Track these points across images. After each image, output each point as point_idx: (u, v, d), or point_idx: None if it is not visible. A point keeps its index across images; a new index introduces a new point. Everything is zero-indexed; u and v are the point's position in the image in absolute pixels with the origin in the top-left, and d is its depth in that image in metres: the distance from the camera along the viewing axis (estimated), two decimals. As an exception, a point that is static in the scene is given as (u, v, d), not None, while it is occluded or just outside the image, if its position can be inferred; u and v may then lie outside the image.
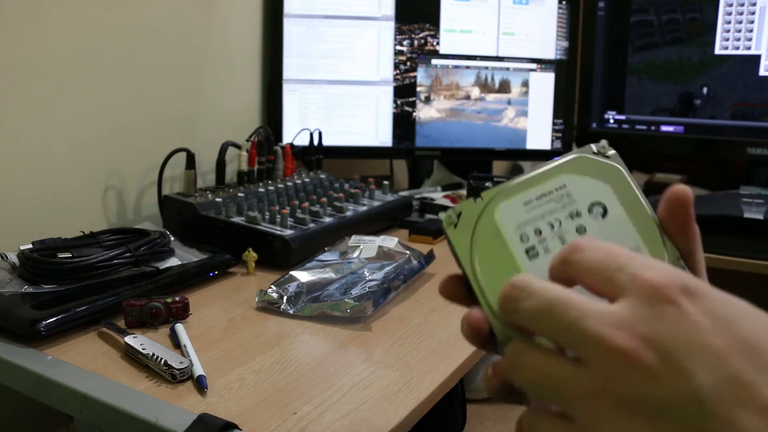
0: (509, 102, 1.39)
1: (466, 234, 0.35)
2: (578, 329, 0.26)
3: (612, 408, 0.25)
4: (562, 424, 0.27)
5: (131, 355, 0.62)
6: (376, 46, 1.33)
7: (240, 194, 1.01)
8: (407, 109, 1.36)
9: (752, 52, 1.25)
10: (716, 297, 0.26)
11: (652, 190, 1.38)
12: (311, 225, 0.94)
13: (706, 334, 0.24)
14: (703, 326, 0.24)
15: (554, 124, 1.42)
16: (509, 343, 0.30)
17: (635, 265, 0.27)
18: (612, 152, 0.37)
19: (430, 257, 0.90)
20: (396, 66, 1.35)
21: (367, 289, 0.76)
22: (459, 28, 1.36)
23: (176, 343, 0.66)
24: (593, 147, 0.37)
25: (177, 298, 0.72)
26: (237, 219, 0.93)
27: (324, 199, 1.03)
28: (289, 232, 0.90)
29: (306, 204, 1.00)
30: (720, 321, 0.25)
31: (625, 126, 1.42)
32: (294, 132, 1.27)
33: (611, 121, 1.43)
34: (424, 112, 1.37)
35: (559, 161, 0.37)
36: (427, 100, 1.37)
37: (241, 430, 0.51)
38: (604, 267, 0.28)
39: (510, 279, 0.30)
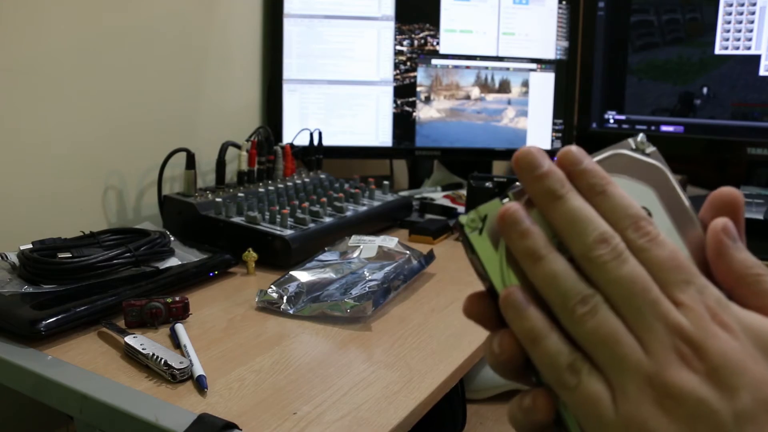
0: (509, 102, 1.39)
1: (493, 240, 0.30)
2: (656, 310, 0.27)
3: (658, 396, 0.26)
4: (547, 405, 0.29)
5: (131, 355, 0.62)
6: (376, 46, 1.33)
7: (240, 194, 1.01)
8: (407, 109, 1.36)
9: (752, 52, 1.25)
10: (760, 328, 0.27)
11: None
12: (311, 225, 0.94)
13: (749, 360, 0.26)
14: (748, 353, 0.26)
15: (554, 124, 1.42)
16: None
17: (700, 281, 0.28)
18: (652, 149, 0.33)
19: (430, 257, 0.90)
20: (396, 66, 1.35)
21: (367, 289, 0.76)
22: (459, 28, 1.36)
23: (176, 343, 0.66)
24: (631, 142, 0.33)
25: (177, 298, 0.72)
26: (237, 219, 0.93)
27: (324, 199, 1.03)
28: (289, 232, 0.90)
29: (306, 204, 1.00)
30: (761, 351, 0.27)
31: (625, 126, 1.42)
32: (294, 132, 1.27)
33: (611, 121, 1.43)
34: (424, 112, 1.37)
35: (594, 158, 0.32)
36: (427, 100, 1.37)
37: (241, 430, 0.51)
38: (669, 270, 0.28)
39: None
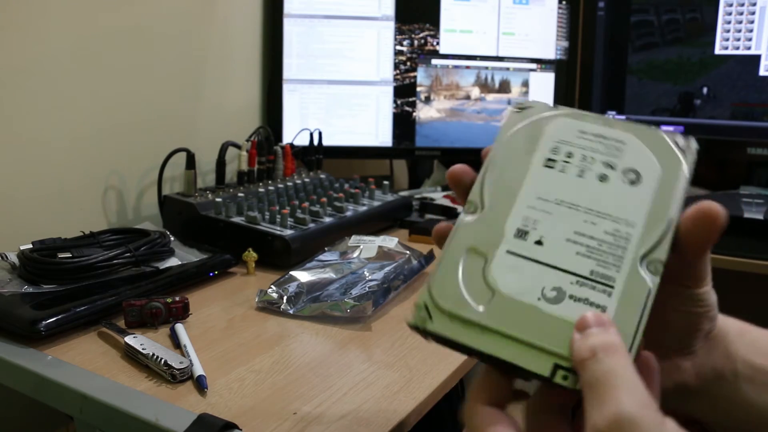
0: (509, 102, 1.39)
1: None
2: None
3: None
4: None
5: (131, 355, 0.62)
6: (376, 46, 1.33)
7: (240, 194, 1.01)
8: (407, 109, 1.36)
9: (752, 52, 1.25)
10: None
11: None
12: (311, 225, 0.94)
13: None
14: None
15: (554, 124, 1.42)
16: None
17: None
18: (691, 147, 0.37)
19: (430, 257, 0.90)
20: (396, 66, 1.35)
21: (367, 289, 0.76)
22: (459, 28, 1.36)
23: (176, 343, 0.66)
24: (678, 137, 0.37)
25: (177, 298, 0.72)
26: (237, 219, 0.93)
27: (324, 199, 1.03)
28: (289, 232, 0.90)
29: (306, 204, 1.00)
30: None
31: (625, 126, 1.42)
32: (294, 132, 1.27)
33: (611, 121, 1.43)
34: (424, 112, 1.37)
35: (639, 124, 0.38)
36: (427, 100, 1.37)
37: (241, 430, 0.51)
38: None
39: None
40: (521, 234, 0.35)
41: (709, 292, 0.37)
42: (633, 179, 0.36)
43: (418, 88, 1.36)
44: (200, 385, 0.57)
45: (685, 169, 0.36)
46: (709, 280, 0.37)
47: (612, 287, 0.33)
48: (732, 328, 0.40)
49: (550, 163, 0.37)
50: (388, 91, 1.35)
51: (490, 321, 0.33)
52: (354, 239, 0.91)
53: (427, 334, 0.33)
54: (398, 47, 1.34)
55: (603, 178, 0.36)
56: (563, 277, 0.33)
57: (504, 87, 1.39)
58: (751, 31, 1.24)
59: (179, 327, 0.68)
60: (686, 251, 0.35)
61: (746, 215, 1.04)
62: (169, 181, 1.10)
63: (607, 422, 0.27)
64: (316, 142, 1.22)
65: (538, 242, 0.35)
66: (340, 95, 1.33)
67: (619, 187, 0.36)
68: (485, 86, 1.38)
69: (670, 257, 0.34)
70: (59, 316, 0.66)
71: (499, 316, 0.33)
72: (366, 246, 0.88)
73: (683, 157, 0.36)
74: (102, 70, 1.00)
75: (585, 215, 0.35)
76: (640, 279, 0.33)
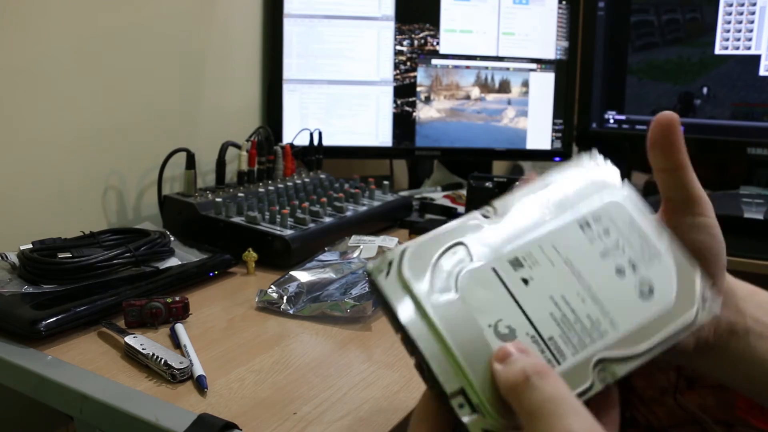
0: (509, 102, 1.39)
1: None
2: None
3: None
4: None
5: (131, 355, 0.62)
6: (376, 46, 1.33)
7: (240, 194, 1.01)
8: (407, 109, 1.36)
9: (752, 52, 1.25)
10: None
11: (653, 190, 1.38)
12: (311, 225, 0.94)
13: None
14: None
15: (554, 124, 1.42)
16: None
17: None
18: (712, 308, 0.37)
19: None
20: (396, 66, 1.35)
21: (367, 289, 0.76)
22: (459, 28, 1.36)
23: (176, 343, 0.66)
24: (708, 290, 0.37)
25: (177, 298, 0.72)
26: (237, 219, 0.93)
27: (324, 199, 1.03)
28: (289, 232, 0.90)
29: (306, 204, 1.00)
30: None
31: (625, 126, 1.42)
32: (294, 132, 1.27)
33: (611, 121, 1.43)
34: (424, 112, 1.37)
35: (685, 253, 0.37)
36: (427, 100, 1.37)
37: (241, 430, 0.51)
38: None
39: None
40: (515, 263, 0.34)
41: (713, 225, 0.39)
42: (644, 291, 0.35)
43: (418, 88, 1.36)
44: (200, 385, 0.57)
45: (693, 318, 0.36)
46: (710, 208, 0.39)
47: (558, 363, 0.32)
48: (742, 287, 0.42)
49: (585, 226, 0.36)
50: (388, 91, 1.35)
51: (433, 310, 0.32)
52: (354, 239, 0.91)
53: (374, 287, 0.33)
54: (398, 47, 1.34)
55: (620, 271, 0.35)
56: (524, 324, 0.33)
57: (504, 87, 1.39)
58: (751, 31, 1.24)
59: (179, 327, 0.68)
60: (664, 160, 0.38)
61: (746, 215, 1.04)
62: (169, 181, 1.10)
63: None
64: (316, 142, 1.22)
65: (525, 280, 0.34)
66: (340, 95, 1.33)
67: (628, 288, 0.35)
68: (485, 86, 1.38)
69: (626, 375, 0.34)
70: (59, 316, 0.66)
71: (444, 313, 0.32)
72: (366, 246, 0.88)
73: (700, 307, 0.36)
74: (102, 70, 1.00)
75: (581, 288, 0.34)
76: (586, 374, 0.33)
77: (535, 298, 0.34)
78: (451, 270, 0.33)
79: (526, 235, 0.35)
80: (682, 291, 0.36)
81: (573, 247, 0.36)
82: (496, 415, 0.30)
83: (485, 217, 0.36)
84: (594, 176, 0.39)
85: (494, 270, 0.34)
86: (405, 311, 0.32)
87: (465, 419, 0.30)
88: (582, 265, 0.35)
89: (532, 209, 0.37)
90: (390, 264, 0.33)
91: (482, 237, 0.35)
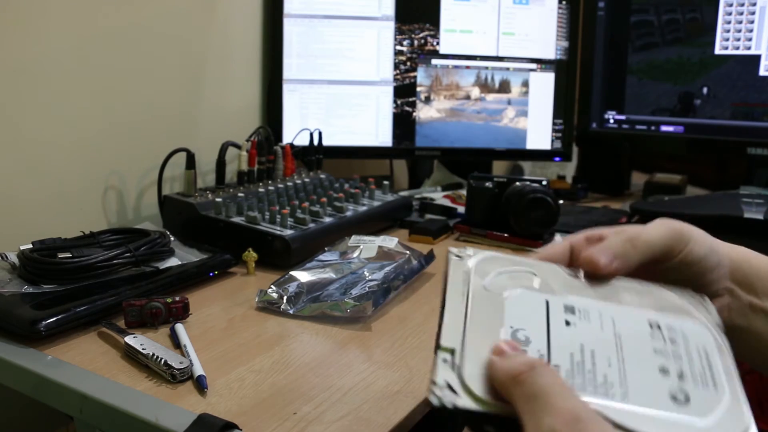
0: (509, 102, 1.39)
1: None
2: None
3: None
4: None
5: (131, 355, 0.62)
6: (376, 46, 1.33)
7: (240, 194, 1.01)
8: (407, 109, 1.36)
9: (752, 52, 1.25)
10: None
11: (652, 190, 1.38)
12: (311, 225, 0.94)
13: None
14: None
15: (554, 124, 1.42)
16: None
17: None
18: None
19: (430, 257, 0.90)
20: (396, 66, 1.35)
21: (367, 289, 0.76)
22: (459, 28, 1.36)
23: (176, 343, 0.66)
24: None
25: (177, 298, 0.72)
26: (237, 219, 0.93)
27: (324, 199, 1.03)
28: (289, 232, 0.90)
29: (306, 204, 1.00)
30: None
31: (625, 126, 1.42)
32: (294, 132, 1.27)
33: (611, 121, 1.44)
34: (424, 112, 1.37)
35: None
36: (427, 100, 1.37)
37: (241, 430, 0.51)
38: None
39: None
40: (569, 309, 0.36)
41: (688, 253, 0.40)
42: (678, 397, 0.32)
43: (418, 88, 1.36)
44: (200, 385, 0.57)
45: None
46: (675, 243, 0.40)
47: None
48: (761, 261, 0.43)
49: (656, 327, 0.36)
50: (388, 91, 1.35)
51: (474, 286, 0.36)
52: (354, 239, 0.91)
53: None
54: (398, 47, 1.34)
55: (664, 371, 0.33)
56: (541, 344, 0.34)
57: (504, 87, 1.39)
58: (751, 31, 1.24)
59: (179, 327, 0.68)
60: (613, 270, 0.39)
61: (746, 215, 1.04)
62: (169, 181, 1.10)
63: (565, 420, 0.28)
64: (316, 142, 1.22)
65: (567, 322, 0.35)
66: (340, 95, 1.33)
67: (663, 384, 0.32)
68: (485, 86, 1.38)
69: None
70: (59, 316, 0.66)
71: (482, 293, 0.36)
72: (366, 246, 0.88)
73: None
74: (102, 70, 1.00)
75: (614, 357, 0.33)
76: None
77: (566, 336, 0.34)
78: (511, 281, 0.36)
79: (596, 300, 0.37)
80: (716, 427, 0.31)
81: (631, 330, 0.35)
82: (470, 390, 0.31)
83: (574, 276, 0.39)
84: (692, 311, 0.38)
85: (547, 302, 0.36)
86: (456, 269, 0.37)
87: (439, 375, 0.31)
88: (629, 343, 0.34)
89: (621, 288, 0.38)
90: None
91: (557, 280, 0.37)
